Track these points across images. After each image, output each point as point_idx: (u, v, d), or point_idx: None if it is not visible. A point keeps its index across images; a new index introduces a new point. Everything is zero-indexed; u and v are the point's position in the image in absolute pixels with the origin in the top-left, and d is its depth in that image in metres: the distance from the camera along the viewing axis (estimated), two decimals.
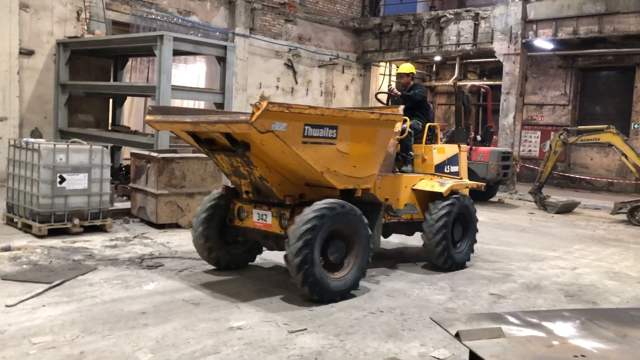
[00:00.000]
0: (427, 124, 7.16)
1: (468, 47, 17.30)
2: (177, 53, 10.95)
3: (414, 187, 6.68)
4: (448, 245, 6.38)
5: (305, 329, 4.38)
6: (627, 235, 9.83)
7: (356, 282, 5.37)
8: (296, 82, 17.80)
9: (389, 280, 6.01)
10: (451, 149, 7.32)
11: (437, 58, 19.52)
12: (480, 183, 7.57)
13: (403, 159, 6.91)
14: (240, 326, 4.39)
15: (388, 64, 20.69)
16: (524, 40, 15.90)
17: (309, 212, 4.99)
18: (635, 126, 18.24)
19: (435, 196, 6.54)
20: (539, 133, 20.61)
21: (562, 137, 12.60)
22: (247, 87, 16.20)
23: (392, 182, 6.52)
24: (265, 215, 5.55)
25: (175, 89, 9.98)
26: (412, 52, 18.56)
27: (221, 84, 10.55)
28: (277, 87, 17.28)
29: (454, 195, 6.57)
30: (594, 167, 19.71)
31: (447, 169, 7.17)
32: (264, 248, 6.24)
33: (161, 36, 9.45)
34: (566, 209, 12.71)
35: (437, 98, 23.08)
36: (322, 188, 5.52)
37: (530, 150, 20.58)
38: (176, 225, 8.18)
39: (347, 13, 19.41)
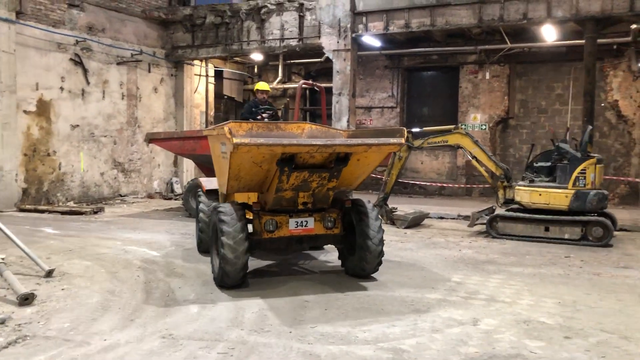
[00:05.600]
0: None
1: (294, 43, 15.31)
2: None
3: None
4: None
5: None
6: (497, 254, 8.33)
7: None
8: (88, 83, 14.24)
9: None
10: None
11: (259, 57, 17.34)
12: None
13: None
14: None
15: (204, 63, 17.94)
16: (353, 35, 14.33)
17: (373, 210, 6.37)
18: (463, 126, 17.79)
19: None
20: None
21: (407, 141, 11.06)
22: (17, 88, 12.36)
23: None
24: (306, 221, 6.19)
25: None
26: (230, 47, 16.11)
27: None
28: (62, 88, 13.59)
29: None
30: (425, 171, 19.00)
31: None
32: None
33: None
34: (415, 222, 11.21)
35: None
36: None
37: None
38: None
39: (150, 1, 16.28)
